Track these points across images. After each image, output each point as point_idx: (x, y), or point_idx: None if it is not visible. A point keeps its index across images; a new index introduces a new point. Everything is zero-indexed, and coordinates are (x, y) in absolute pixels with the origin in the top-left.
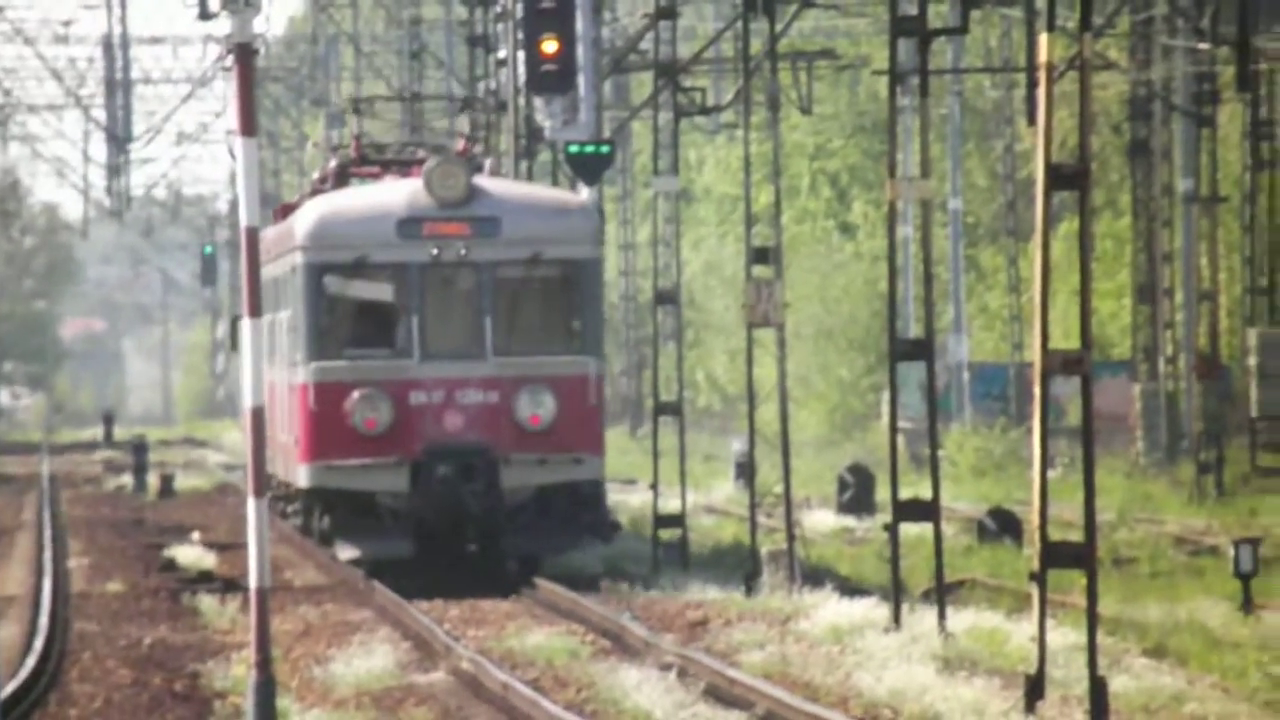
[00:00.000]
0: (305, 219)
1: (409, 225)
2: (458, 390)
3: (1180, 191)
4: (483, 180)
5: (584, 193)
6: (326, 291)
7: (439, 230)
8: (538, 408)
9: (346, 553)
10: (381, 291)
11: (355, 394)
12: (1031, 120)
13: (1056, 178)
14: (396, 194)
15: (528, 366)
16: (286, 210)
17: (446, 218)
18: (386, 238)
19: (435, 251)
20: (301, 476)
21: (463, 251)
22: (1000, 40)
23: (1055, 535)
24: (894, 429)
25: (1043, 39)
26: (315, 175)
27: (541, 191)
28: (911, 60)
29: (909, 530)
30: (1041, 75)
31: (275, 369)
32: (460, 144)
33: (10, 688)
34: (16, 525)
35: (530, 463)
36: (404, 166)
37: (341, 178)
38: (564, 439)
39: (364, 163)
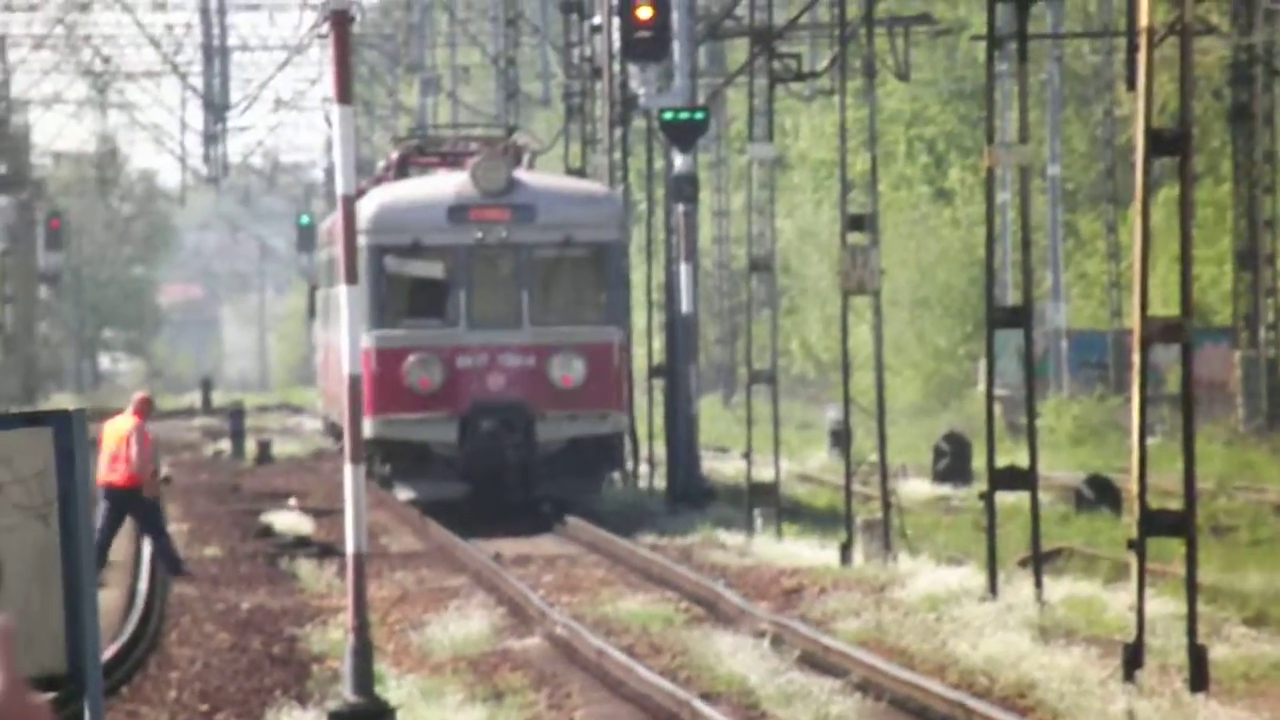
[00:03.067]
0: (368, 207)
1: (457, 212)
2: (499, 355)
3: None
4: (521, 173)
5: (677, 160)
6: (386, 270)
7: (483, 216)
8: (569, 370)
9: (404, 494)
10: (433, 270)
11: (411, 358)
12: (1131, 85)
13: (1157, 143)
14: (446, 185)
15: (560, 335)
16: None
17: (489, 205)
18: (438, 223)
19: (480, 235)
20: (365, 429)
21: (504, 235)
22: (1100, 4)
23: (1154, 503)
24: (990, 397)
25: (1143, 3)
26: (380, 164)
27: (572, 182)
28: (1010, 25)
29: (1005, 499)
30: (1142, 40)
31: (338, 335)
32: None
33: (111, 650)
34: None
35: (562, 418)
36: (457, 158)
37: (402, 168)
38: (592, 398)
39: (422, 154)
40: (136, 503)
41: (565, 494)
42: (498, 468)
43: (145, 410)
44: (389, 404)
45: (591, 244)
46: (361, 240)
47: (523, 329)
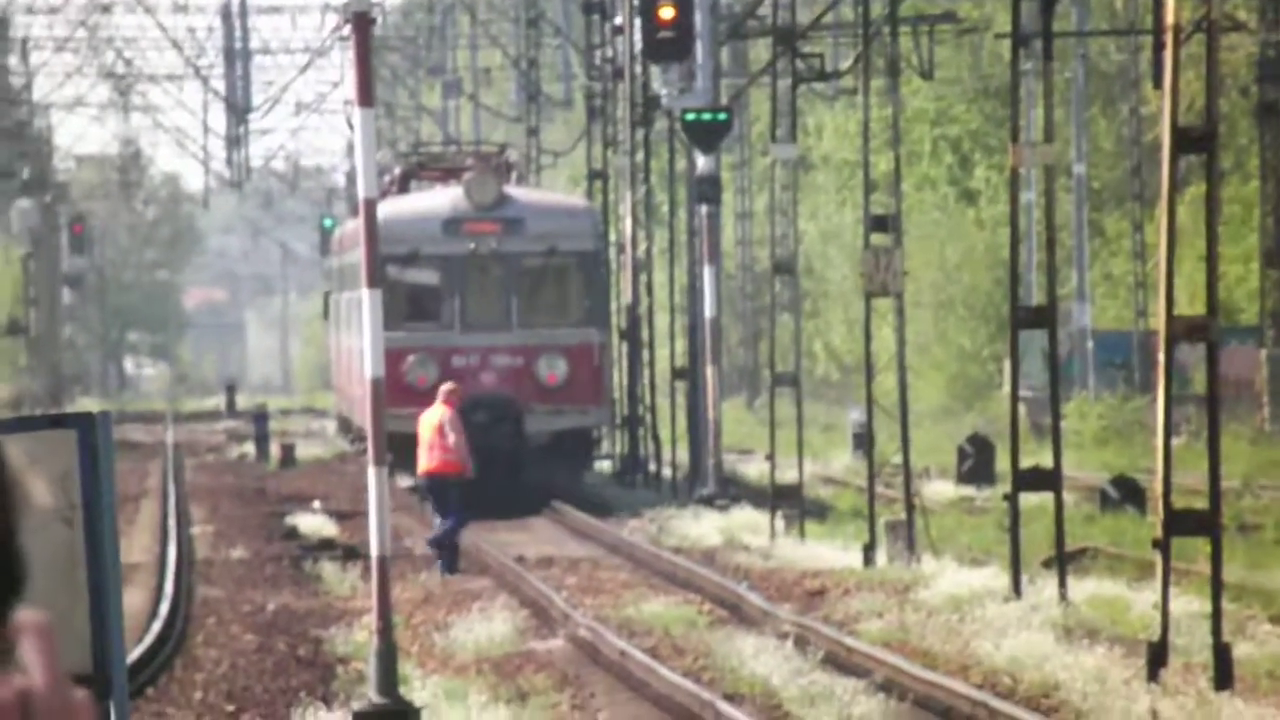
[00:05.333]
0: None
1: (452, 225)
2: (490, 355)
3: None
4: (511, 188)
5: (700, 161)
6: (388, 277)
7: (476, 229)
8: (554, 369)
9: (405, 481)
10: (430, 277)
11: (410, 357)
12: (1158, 83)
13: (1183, 141)
14: (442, 199)
15: (546, 337)
16: (357, 211)
17: (481, 218)
18: (434, 235)
19: (472, 246)
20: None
21: (494, 245)
22: (1125, 2)
23: (1179, 503)
24: (1015, 397)
25: (1169, 0)
26: (385, 179)
27: (556, 197)
28: (1035, 23)
29: (1029, 499)
30: (1168, 37)
31: (348, 336)
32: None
33: (137, 652)
34: (141, 493)
35: (548, 412)
36: (455, 173)
37: (404, 183)
38: (574, 394)
39: (422, 170)
40: (456, 488)
41: (550, 481)
42: (489, 457)
43: (455, 400)
44: (390, 399)
45: (574, 253)
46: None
47: (512, 331)
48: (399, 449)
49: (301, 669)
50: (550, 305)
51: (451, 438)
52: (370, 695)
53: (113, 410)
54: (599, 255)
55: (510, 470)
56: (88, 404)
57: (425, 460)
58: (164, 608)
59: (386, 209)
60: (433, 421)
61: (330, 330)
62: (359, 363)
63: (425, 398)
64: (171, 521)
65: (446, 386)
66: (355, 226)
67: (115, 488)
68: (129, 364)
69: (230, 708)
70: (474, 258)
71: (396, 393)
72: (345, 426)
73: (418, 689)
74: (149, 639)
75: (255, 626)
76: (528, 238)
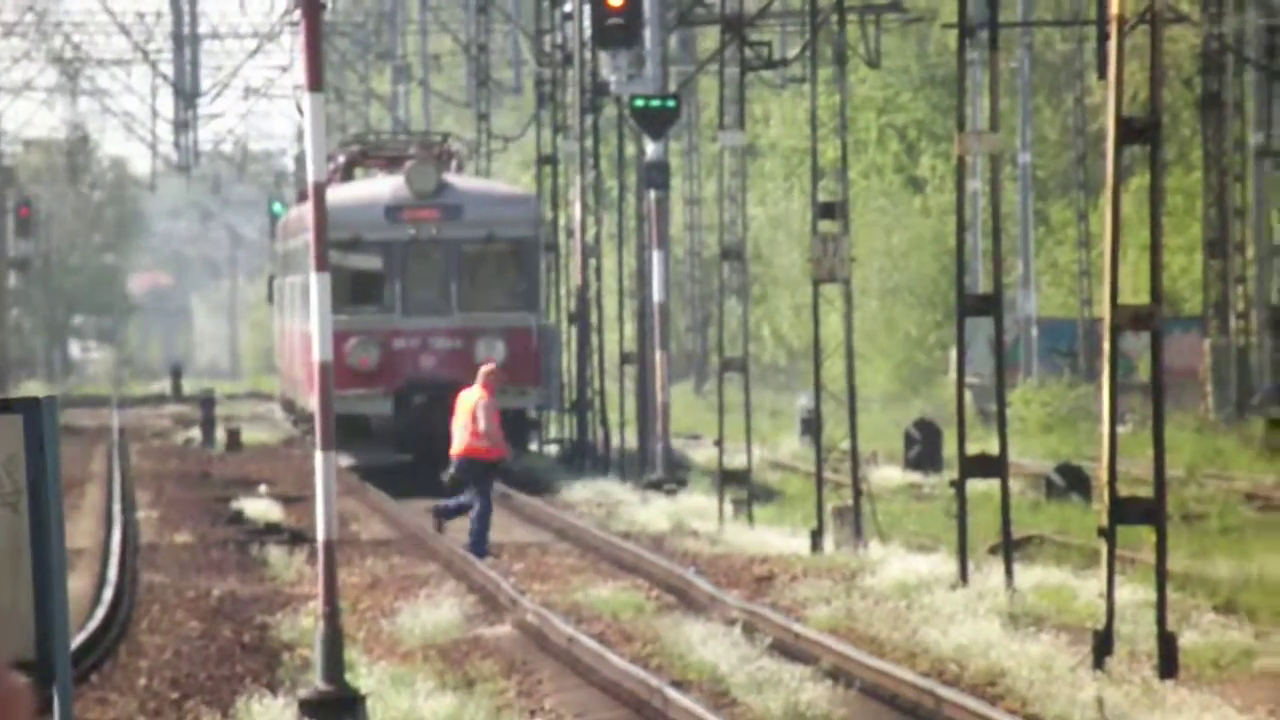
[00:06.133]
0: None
1: (393, 211)
2: (430, 338)
3: (1252, 146)
4: (450, 176)
5: (649, 147)
6: (331, 262)
7: (416, 215)
8: (492, 351)
9: (346, 460)
10: (372, 262)
11: (352, 340)
12: (1102, 74)
13: (1127, 132)
14: (383, 187)
15: (484, 320)
16: (302, 197)
17: (421, 205)
18: (376, 221)
19: (413, 232)
20: (311, 403)
21: (434, 232)
22: None
23: (1124, 491)
24: (961, 384)
25: None
26: (329, 167)
27: (495, 185)
28: (981, 13)
29: (976, 486)
30: (1113, 28)
31: (292, 320)
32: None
33: (80, 638)
34: (86, 477)
35: None
36: (398, 161)
37: (348, 170)
38: (513, 375)
39: (365, 157)
40: (486, 472)
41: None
42: (429, 437)
43: (492, 383)
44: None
45: (512, 239)
46: (307, 238)
47: (451, 315)
48: (341, 431)
49: (247, 655)
50: (489, 289)
51: (483, 423)
52: (316, 682)
53: (58, 395)
54: (537, 241)
55: (448, 451)
56: (33, 388)
57: (456, 442)
58: (108, 593)
59: (330, 196)
60: (468, 404)
61: (274, 314)
62: (301, 345)
63: (368, 379)
64: (116, 506)
65: (486, 368)
66: (298, 213)
67: (60, 473)
68: (75, 348)
69: (174, 695)
70: (414, 243)
71: (339, 375)
72: (289, 408)
73: (364, 675)
74: (92, 625)
75: (200, 612)
76: (466, 224)
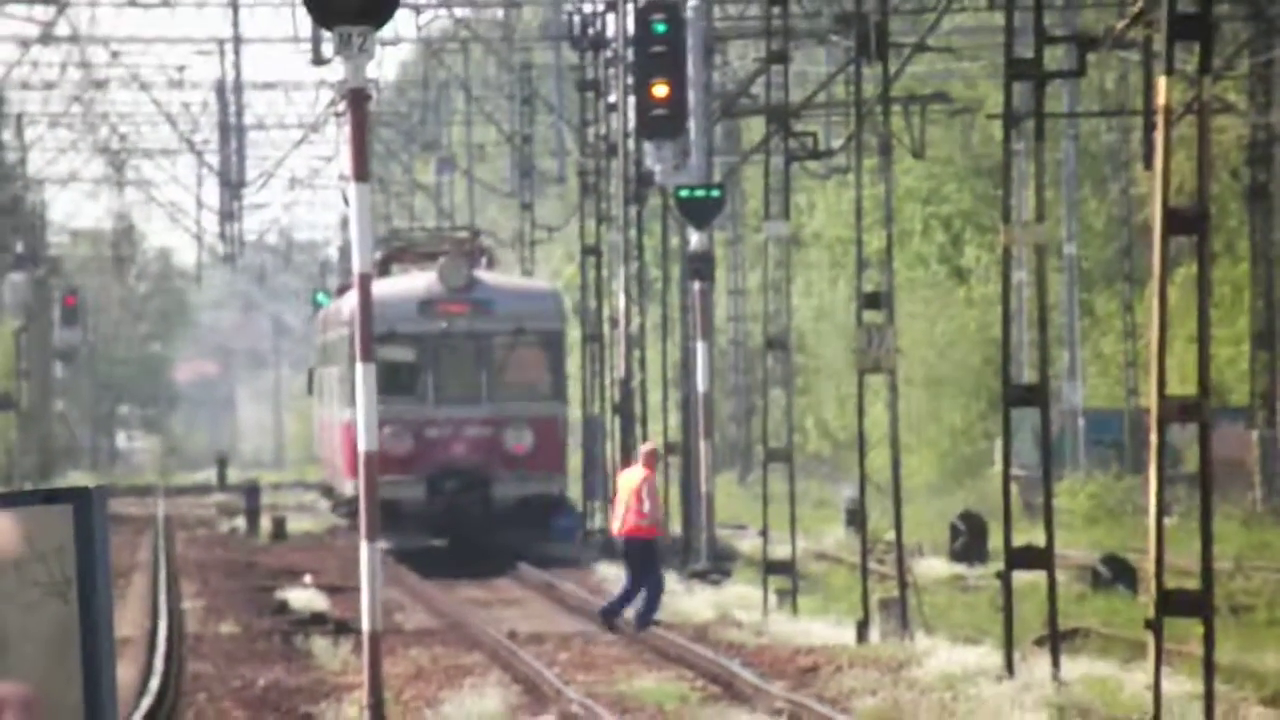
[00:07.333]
0: (351, 302)
1: (426, 306)
2: (462, 427)
3: None
4: (481, 272)
5: (693, 238)
6: None
7: (448, 309)
8: (520, 440)
9: (381, 544)
10: (406, 354)
11: (386, 429)
12: (1149, 164)
13: (1174, 222)
14: (418, 283)
15: (513, 410)
16: (341, 290)
17: (454, 300)
18: (410, 315)
19: (445, 325)
20: (347, 488)
21: (465, 325)
22: (1117, 83)
23: (1171, 583)
24: (1007, 475)
25: (1161, 82)
26: None
27: (523, 281)
28: (1027, 104)
29: (1022, 578)
30: (1160, 118)
31: (330, 409)
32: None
33: None
34: (132, 566)
35: (514, 480)
36: (431, 257)
37: (385, 266)
38: (539, 463)
39: (403, 253)
40: (651, 551)
41: (517, 544)
42: (460, 522)
43: (654, 462)
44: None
45: (539, 332)
46: (344, 330)
47: (481, 405)
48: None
49: None
50: (517, 381)
51: (648, 504)
52: None
53: (106, 484)
54: (561, 334)
55: (478, 534)
56: (78, 478)
57: (620, 522)
58: (154, 683)
59: None
60: (631, 484)
61: (315, 404)
62: (339, 433)
63: (402, 465)
64: (162, 596)
65: (646, 448)
66: (336, 306)
67: (110, 563)
68: (120, 437)
69: None
70: (447, 336)
71: None
72: (328, 493)
73: None
74: (139, 716)
75: (246, 702)
76: (496, 318)
